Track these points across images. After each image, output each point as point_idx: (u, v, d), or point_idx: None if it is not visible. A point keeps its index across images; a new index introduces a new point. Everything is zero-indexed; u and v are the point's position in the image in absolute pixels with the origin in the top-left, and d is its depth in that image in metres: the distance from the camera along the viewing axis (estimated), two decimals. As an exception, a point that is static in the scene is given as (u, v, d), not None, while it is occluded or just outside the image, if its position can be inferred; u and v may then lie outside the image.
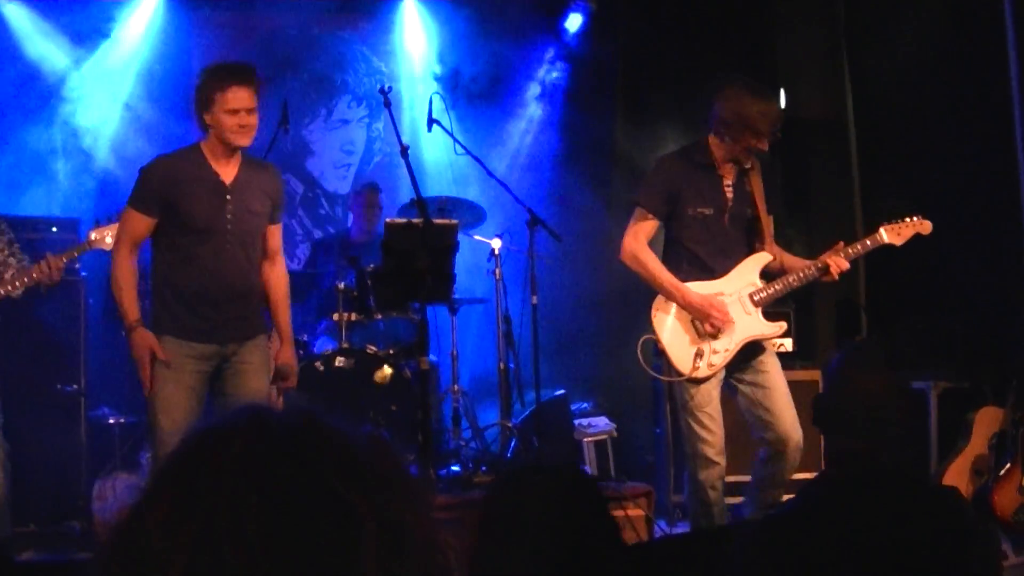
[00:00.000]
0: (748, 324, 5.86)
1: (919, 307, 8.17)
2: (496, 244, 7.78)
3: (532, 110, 9.70)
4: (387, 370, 7.36)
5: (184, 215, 5.47)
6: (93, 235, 6.28)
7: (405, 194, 8.39)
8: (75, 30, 8.84)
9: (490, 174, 7.70)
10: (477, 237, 7.97)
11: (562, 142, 9.53)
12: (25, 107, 8.72)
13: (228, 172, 5.58)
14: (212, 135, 5.53)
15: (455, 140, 7.49)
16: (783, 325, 5.99)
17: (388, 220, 6.04)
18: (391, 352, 7.62)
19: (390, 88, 6.57)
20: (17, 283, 6.08)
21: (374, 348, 7.61)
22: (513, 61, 9.57)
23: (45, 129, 8.79)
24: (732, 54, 9.11)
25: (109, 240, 6.04)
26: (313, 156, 9.67)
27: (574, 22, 9.60)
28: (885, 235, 5.98)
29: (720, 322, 5.75)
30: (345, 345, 7.55)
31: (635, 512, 6.91)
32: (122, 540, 1.17)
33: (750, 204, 5.91)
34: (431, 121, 7.42)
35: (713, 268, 5.87)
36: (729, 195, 5.85)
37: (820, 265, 5.90)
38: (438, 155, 8.99)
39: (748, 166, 5.89)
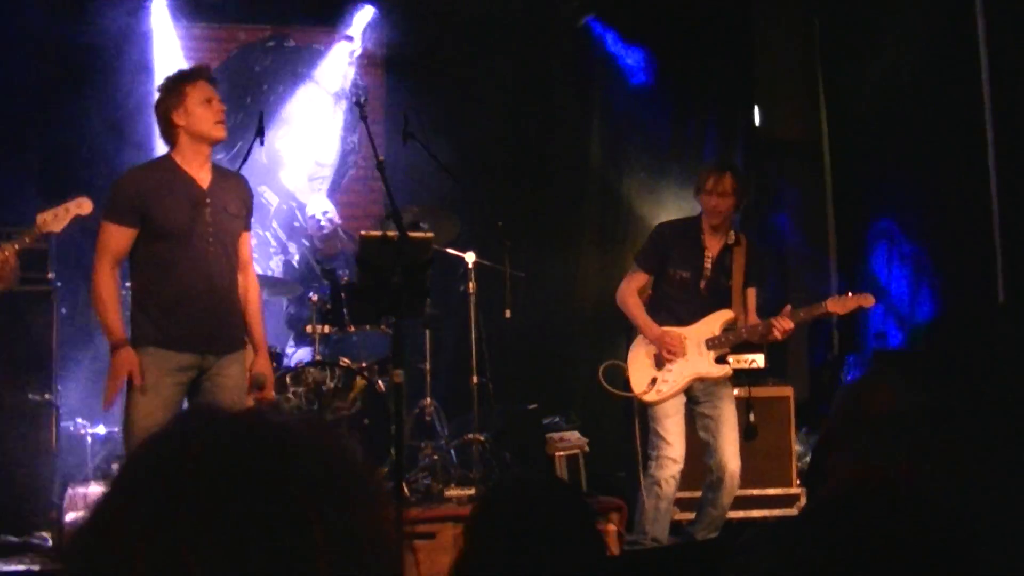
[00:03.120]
0: (698, 363, 6.78)
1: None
2: (470, 258, 7.78)
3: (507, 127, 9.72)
4: (360, 383, 7.36)
5: (163, 222, 5.43)
6: (39, 219, 6.04)
7: (379, 207, 8.42)
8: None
9: (465, 188, 7.71)
10: (450, 251, 7.97)
11: (537, 159, 9.55)
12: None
13: (203, 178, 5.56)
14: (184, 138, 5.50)
15: (431, 154, 7.49)
16: (728, 370, 6.85)
17: (363, 233, 6.03)
18: (364, 365, 7.62)
19: (366, 100, 6.57)
20: None
21: (347, 361, 7.61)
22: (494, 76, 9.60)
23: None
24: (709, 74, 9.16)
25: (59, 221, 5.85)
26: (287, 168, 9.66)
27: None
28: (828, 306, 6.63)
29: (672, 347, 6.75)
30: (319, 358, 7.55)
31: (607, 527, 6.93)
32: (81, 549, 1.17)
33: (727, 275, 6.81)
34: (406, 134, 7.42)
35: (684, 320, 6.84)
36: (708, 264, 6.82)
37: (767, 324, 6.65)
38: (414, 167, 9.00)
39: (731, 241, 6.82)
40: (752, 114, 9.31)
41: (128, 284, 5.76)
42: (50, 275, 7.52)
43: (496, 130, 9.60)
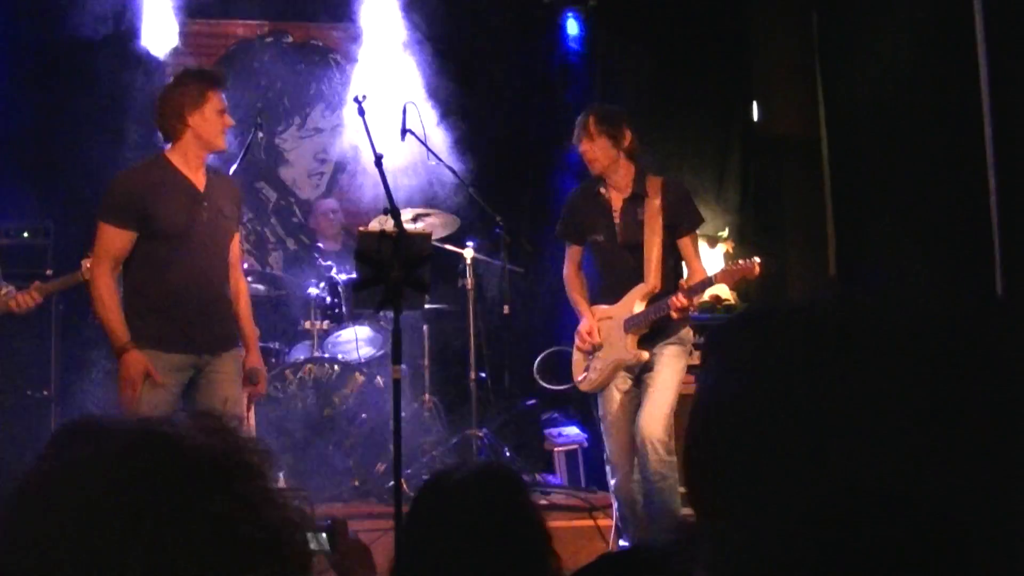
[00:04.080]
0: (618, 349, 6.31)
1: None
2: (468, 254, 7.78)
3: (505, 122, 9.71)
4: (358, 378, 7.36)
5: (160, 222, 5.44)
6: (84, 264, 6.07)
7: (377, 202, 8.40)
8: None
9: (464, 184, 7.71)
10: (449, 247, 7.97)
11: (537, 155, 9.54)
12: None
13: (199, 179, 5.59)
14: (189, 138, 5.50)
15: (429, 150, 7.50)
16: (644, 356, 6.23)
17: (361, 229, 6.06)
18: (362, 361, 7.63)
19: (365, 97, 6.56)
20: None
21: (345, 357, 7.61)
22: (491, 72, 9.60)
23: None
24: (706, 70, 9.15)
25: None
26: (286, 164, 9.67)
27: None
28: (717, 277, 6.10)
29: (579, 344, 6.42)
30: (317, 353, 7.55)
31: (605, 523, 6.93)
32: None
33: (641, 230, 6.28)
34: (404, 131, 7.42)
35: (616, 293, 6.39)
36: (618, 221, 6.34)
37: (665, 303, 6.14)
38: (412, 163, 8.99)
39: (629, 192, 6.32)
40: (750, 110, 9.30)
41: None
42: (48, 272, 7.52)
43: (497, 125, 9.59)
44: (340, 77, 9.76)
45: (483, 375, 7.77)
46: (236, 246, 5.88)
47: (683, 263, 6.52)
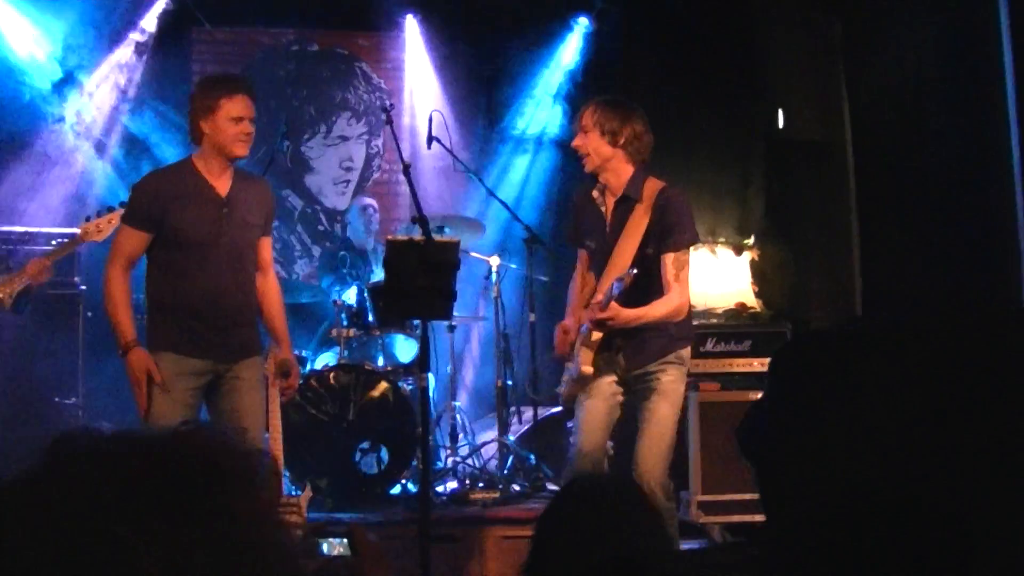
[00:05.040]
0: (575, 361, 5.72)
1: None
2: (494, 262, 7.78)
3: (532, 126, 9.75)
4: (384, 385, 7.37)
5: (180, 229, 5.44)
6: (81, 229, 6.17)
7: (404, 210, 8.45)
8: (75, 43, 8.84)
9: (490, 192, 7.72)
10: (475, 255, 7.98)
11: (561, 159, 9.56)
12: (26, 120, 8.73)
13: (223, 185, 5.56)
14: (207, 146, 5.50)
15: (455, 158, 7.51)
16: (588, 369, 5.60)
17: (389, 237, 6.06)
18: (389, 368, 7.64)
19: (392, 106, 6.59)
20: (6, 289, 6.04)
21: (372, 364, 7.63)
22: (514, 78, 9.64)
23: (48, 144, 8.81)
24: (729, 74, 9.14)
25: (102, 232, 5.99)
26: (312, 172, 9.70)
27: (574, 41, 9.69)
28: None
29: (556, 347, 5.81)
30: (343, 361, 7.57)
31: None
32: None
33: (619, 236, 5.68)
34: (431, 138, 7.43)
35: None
36: (609, 230, 5.72)
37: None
38: (437, 171, 9.03)
39: (618, 195, 5.68)
40: (775, 116, 9.29)
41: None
42: (76, 278, 7.57)
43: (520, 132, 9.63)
44: (365, 85, 9.79)
45: (508, 382, 7.77)
46: (266, 250, 5.87)
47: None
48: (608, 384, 5.69)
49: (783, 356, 1.57)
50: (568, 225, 6.09)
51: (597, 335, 5.56)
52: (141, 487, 1.19)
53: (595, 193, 5.77)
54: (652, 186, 5.67)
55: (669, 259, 5.55)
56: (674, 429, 5.65)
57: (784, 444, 1.48)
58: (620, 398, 5.73)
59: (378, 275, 8.04)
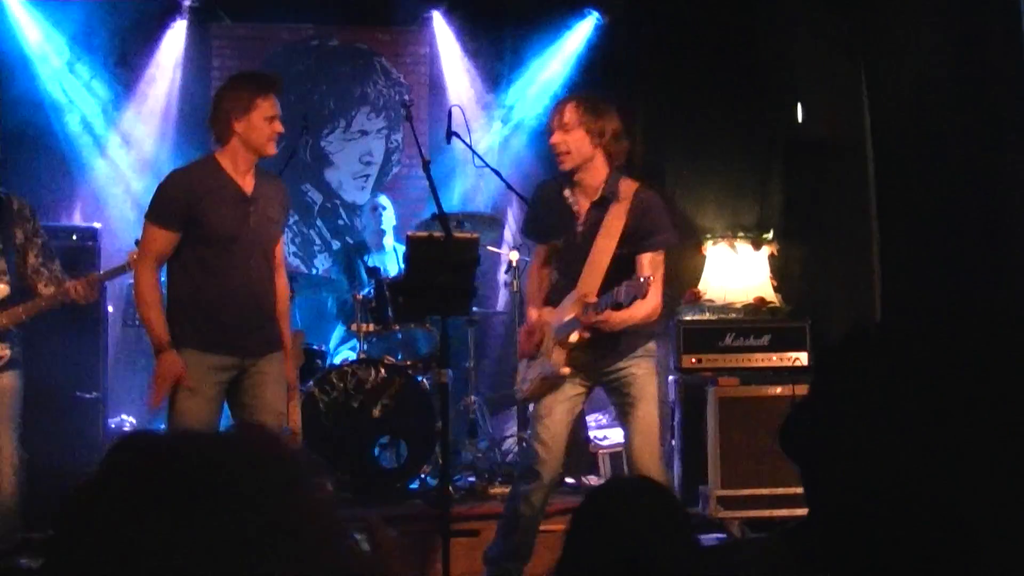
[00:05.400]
0: (544, 361, 5.65)
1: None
2: (514, 256, 7.80)
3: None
4: (403, 380, 7.40)
5: (208, 226, 5.46)
6: (131, 255, 6.18)
7: (423, 204, 8.48)
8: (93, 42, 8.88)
9: (508, 186, 7.73)
10: (493, 249, 8.00)
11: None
12: (49, 117, 8.78)
13: (247, 183, 5.58)
14: (236, 143, 5.50)
15: (475, 153, 7.52)
16: (565, 370, 5.56)
17: (410, 233, 6.07)
18: (408, 363, 7.66)
19: (411, 101, 6.60)
20: (46, 301, 6.05)
21: (392, 359, 7.65)
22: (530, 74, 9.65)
23: (70, 139, 8.87)
24: (749, 73, 9.13)
25: None
26: (332, 167, 9.73)
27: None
28: (616, 293, 5.29)
29: (521, 346, 5.76)
30: (363, 355, 7.59)
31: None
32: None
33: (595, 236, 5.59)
34: (450, 134, 7.44)
35: (562, 296, 5.68)
36: (580, 230, 5.63)
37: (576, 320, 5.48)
38: (455, 165, 9.06)
39: (597, 197, 5.58)
40: (794, 113, 9.28)
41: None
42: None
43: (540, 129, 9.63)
44: (384, 80, 9.81)
45: (527, 377, 7.79)
46: (280, 249, 5.91)
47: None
48: (571, 385, 5.66)
49: (831, 355, 1.59)
50: (531, 219, 5.98)
51: (576, 336, 5.50)
52: (205, 487, 1.20)
53: (566, 192, 5.66)
54: (628, 186, 5.60)
55: (646, 260, 5.52)
56: (659, 422, 5.63)
57: (830, 442, 1.50)
58: (582, 398, 5.75)
59: (393, 273, 8.06)
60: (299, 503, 1.24)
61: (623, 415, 5.68)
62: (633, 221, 5.53)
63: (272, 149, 5.56)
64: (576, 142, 5.50)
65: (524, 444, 6.09)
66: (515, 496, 5.76)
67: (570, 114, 5.51)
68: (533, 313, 5.79)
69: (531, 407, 5.91)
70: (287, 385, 5.77)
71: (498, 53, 9.63)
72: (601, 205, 5.58)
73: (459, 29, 9.68)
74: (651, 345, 5.68)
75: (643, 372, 5.61)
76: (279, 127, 5.52)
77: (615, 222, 5.52)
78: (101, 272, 6.44)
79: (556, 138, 5.52)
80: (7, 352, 5.93)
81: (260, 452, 1.28)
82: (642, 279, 5.19)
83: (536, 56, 9.67)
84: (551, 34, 9.66)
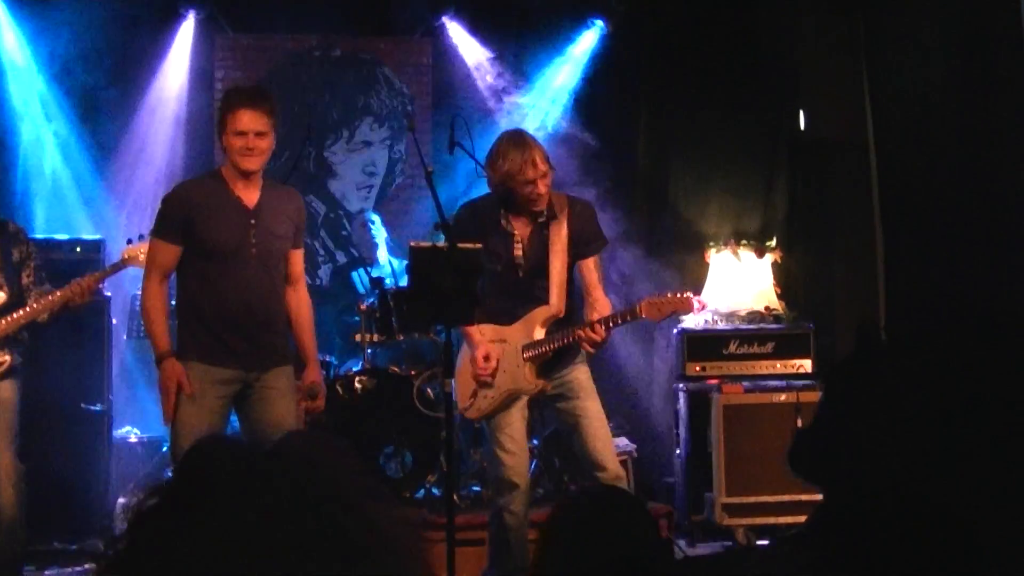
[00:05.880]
0: (513, 377, 5.82)
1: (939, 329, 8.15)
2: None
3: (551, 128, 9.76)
4: (408, 390, 7.40)
5: (208, 241, 5.48)
6: (125, 254, 6.26)
7: (429, 215, 8.48)
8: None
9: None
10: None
11: (583, 164, 9.55)
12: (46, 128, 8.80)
13: (250, 196, 5.58)
14: (228, 158, 5.57)
15: (476, 163, 7.51)
16: (539, 383, 5.82)
17: (413, 243, 6.08)
18: (413, 373, 7.66)
19: (413, 112, 6.61)
20: (39, 306, 6.08)
21: (396, 368, 7.65)
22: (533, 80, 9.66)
23: (69, 151, 8.88)
24: (752, 78, 9.13)
25: (142, 258, 6.05)
26: (335, 177, 9.73)
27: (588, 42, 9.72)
28: (642, 311, 5.60)
29: (480, 373, 5.80)
30: (368, 366, 7.60)
31: (656, 533, 6.94)
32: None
33: (547, 255, 5.81)
34: (452, 143, 7.44)
35: (510, 315, 5.88)
36: (519, 252, 5.83)
37: (574, 336, 5.67)
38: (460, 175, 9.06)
39: (541, 219, 5.81)
40: (797, 117, 9.28)
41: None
42: (103, 285, 7.62)
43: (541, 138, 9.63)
44: (388, 90, 9.81)
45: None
46: (298, 264, 5.86)
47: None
48: (523, 399, 5.89)
49: (838, 374, 1.61)
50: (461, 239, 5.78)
51: (545, 356, 5.79)
52: (281, 493, 1.22)
53: (503, 222, 5.85)
54: (559, 200, 5.88)
55: (592, 263, 5.89)
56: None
57: (843, 459, 1.51)
58: (526, 410, 5.94)
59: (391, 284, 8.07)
60: (362, 512, 1.26)
61: (573, 417, 5.85)
62: (574, 232, 5.83)
63: (248, 164, 5.49)
64: (550, 186, 5.77)
65: (487, 461, 6.19)
66: (497, 513, 5.88)
67: (543, 162, 5.71)
68: (476, 334, 5.87)
69: (485, 424, 6.06)
70: (314, 389, 5.78)
71: (503, 63, 9.62)
72: (544, 226, 5.82)
73: (464, 39, 9.69)
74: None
75: (585, 376, 5.89)
76: (248, 142, 5.44)
77: (561, 236, 5.80)
78: (97, 272, 6.46)
79: (541, 189, 5.70)
80: (7, 359, 5.96)
81: (324, 460, 1.30)
82: (693, 299, 5.57)
83: (541, 66, 9.66)
84: (556, 44, 9.66)
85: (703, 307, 5.88)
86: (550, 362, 5.85)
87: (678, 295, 5.58)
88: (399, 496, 7.25)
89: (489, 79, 9.63)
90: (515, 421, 5.84)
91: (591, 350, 5.67)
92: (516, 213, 5.84)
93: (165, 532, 1.20)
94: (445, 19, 9.68)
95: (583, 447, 5.82)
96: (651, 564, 2.80)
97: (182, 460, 1.29)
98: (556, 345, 5.73)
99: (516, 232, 5.84)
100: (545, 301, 5.83)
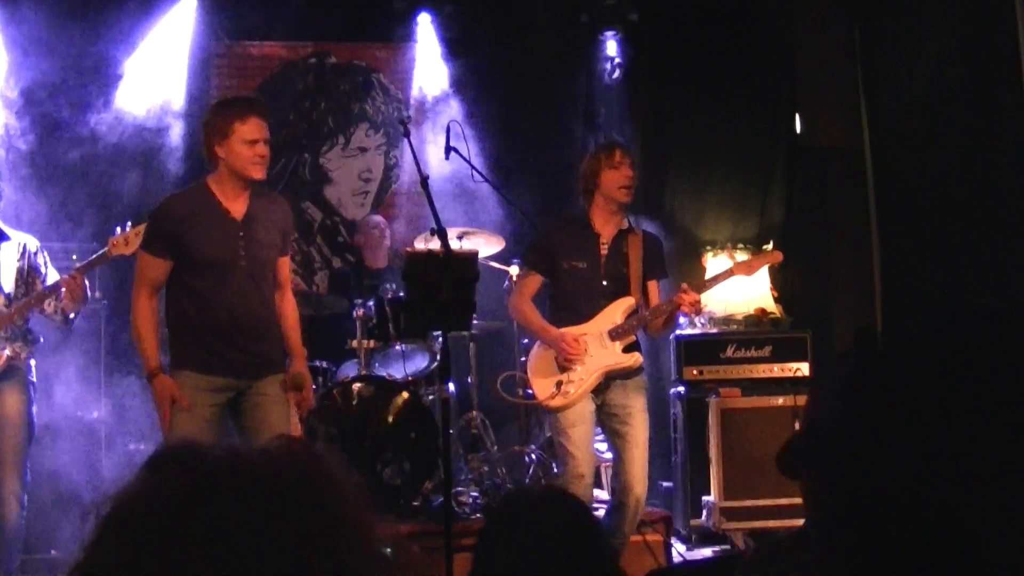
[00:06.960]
0: (604, 356, 6.29)
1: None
2: (514, 271, 7.79)
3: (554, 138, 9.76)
4: (405, 396, 7.39)
5: (196, 253, 5.49)
6: (112, 242, 6.29)
7: (424, 221, 8.47)
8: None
9: (509, 201, 7.73)
10: (494, 264, 7.99)
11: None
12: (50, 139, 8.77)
13: (238, 207, 5.59)
14: (222, 169, 5.53)
15: (473, 168, 7.52)
16: (638, 357, 6.35)
17: (408, 249, 6.09)
18: (410, 379, 7.65)
19: (410, 118, 6.61)
20: (35, 298, 6.15)
21: (393, 375, 7.64)
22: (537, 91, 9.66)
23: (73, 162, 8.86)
24: (750, 83, 9.14)
25: (130, 245, 6.07)
26: (331, 184, 9.72)
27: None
28: (735, 269, 6.46)
29: (570, 352, 6.24)
30: (364, 372, 7.58)
31: (653, 537, 6.94)
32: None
33: (624, 263, 6.38)
34: (448, 149, 7.44)
35: (586, 315, 6.37)
36: (603, 252, 6.40)
37: (670, 301, 6.28)
38: (455, 179, 9.05)
39: (624, 227, 6.44)
40: (794, 122, 9.29)
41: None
42: (97, 294, 7.61)
43: (539, 145, 9.62)
44: (383, 96, 9.81)
45: (529, 392, 7.78)
46: (284, 270, 5.91)
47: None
48: (588, 401, 6.33)
49: (837, 375, 1.61)
50: (539, 251, 6.56)
51: (630, 337, 6.35)
52: (244, 498, 1.21)
53: (590, 222, 6.44)
54: (634, 224, 6.59)
55: (654, 286, 6.51)
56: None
57: (836, 461, 1.51)
58: (594, 416, 6.37)
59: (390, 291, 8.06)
60: (336, 514, 1.25)
61: (621, 440, 6.34)
62: (647, 252, 6.44)
63: (257, 173, 5.54)
64: (633, 179, 6.40)
65: (557, 453, 6.56)
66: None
67: (625, 155, 6.41)
68: (554, 332, 6.34)
69: (548, 423, 6.67)
70: (299, 379, 5.78)
71: (505, 70, 9.61)
72: (623, 233, 6.43)
73: (455, 43, 9.68)
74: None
75: (641, 405, 6.42)
76: (261, 150, 5.50)
77: (637, 250, 6.38)
78: (83, 263, 6.49)
79: (626, 172, 6.36)
80: (3, 354, 6.01)
81: (298, 464, 1.28)
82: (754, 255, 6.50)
83: (536, 70, 9.65)
84: (552, 47, 9.65)
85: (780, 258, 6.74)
86: (617, 374, 6.33)
87: (767, 253, 6.51)
88: (396, 504, 7.24)
89: (484, 86, 9.62)
90: (580, 423, 6.24)
91: (691, 312, 6.28)
92: (602, 218, 6.41)
93: (130, 536, 1.19)
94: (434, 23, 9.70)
95: (621, 469, 6.29)
96: (590, 563, 2.79)
97: (144, 465, 1.28)
98: (648, 318, 6.30)
99: (601, 234, 6.40)
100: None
